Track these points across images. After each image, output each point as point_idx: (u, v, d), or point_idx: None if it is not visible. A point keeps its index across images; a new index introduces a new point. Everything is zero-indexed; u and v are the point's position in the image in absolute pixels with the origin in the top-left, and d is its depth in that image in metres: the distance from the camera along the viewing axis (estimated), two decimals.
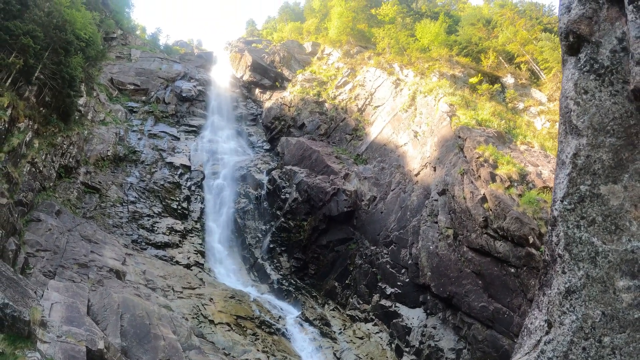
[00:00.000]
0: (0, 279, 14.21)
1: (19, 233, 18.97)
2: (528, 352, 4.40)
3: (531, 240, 18.36)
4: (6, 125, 19.90)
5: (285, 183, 29.18)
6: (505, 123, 24.73)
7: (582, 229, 3.98)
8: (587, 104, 4.02)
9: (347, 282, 26.13)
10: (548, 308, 4.21)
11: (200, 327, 20.95)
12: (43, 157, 22.78)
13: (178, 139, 33.17)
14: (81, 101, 28.65)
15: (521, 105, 26.88)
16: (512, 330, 18.58)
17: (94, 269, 19.79)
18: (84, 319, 15.76)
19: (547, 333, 4.21)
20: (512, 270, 19.10)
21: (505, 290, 19.26)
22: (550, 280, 4.21)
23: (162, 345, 17.24)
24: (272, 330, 22.61)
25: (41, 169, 22.39)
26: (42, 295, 15.73)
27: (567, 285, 4.01)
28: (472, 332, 19.83)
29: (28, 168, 21.38)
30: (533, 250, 18.34)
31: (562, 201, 4.09)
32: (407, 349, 21.74)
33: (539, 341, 4.29)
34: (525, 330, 4.58)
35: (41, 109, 23.82)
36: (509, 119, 25.09)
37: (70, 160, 25.29)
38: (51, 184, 23.42)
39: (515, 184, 20.30)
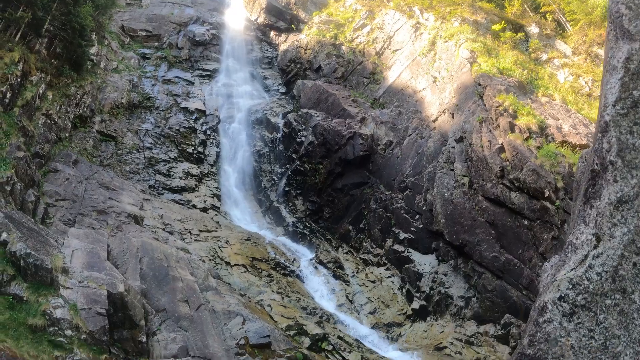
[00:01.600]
0: (21, 230, 14.63)
1: (38, 184, 19.33)
2: (574, 268, 4.39)
3: (547, 194, 18.28)
4: (18, 80, 19.88)
5: (301, 126, 29.06)
6: (527, 73, 24.06)
7: (635, 135, 3.89)
8: (639, 8, 3.87)
9: (361, 226, 26.44)
10: (596, 221, 4.14)
11: (217, 268, 21.51)
12: (57, 108, 22.84)
13: (192, 83, 32.89)
14: (93, 50, 28.35)
15: (544, 57, 26.03)
16: (521, 282, 18.84)
17: (112, 215, 20.24)
18: (104, 264, 16.28)
19: (595, 247, 4.17)
20: (526, 222, 19.15)
21: (518, 242, 19.38)
22: (600, 191, 4.12)
23: (181, 287, 17.83)
24: (287, 272, 23.18)
25: (56, 120, 22.50)
26: (63, 243, 16.20)
27: (618, 195, 3.93)
28: (482, 282, 20.17)
29: (43, 120, 21.49)
30: (548, 204, 18.30)
31: (614, 106, 3.98)
32: (417, 294, 22.23)
33: (586, 256, 4.26)
34: (570, 246, 4.56)
35: (53, 60, 23.67)
36: (531, 70, 24.40)
37: (85, 109, 25.37)
38: (67, 135, 23.59)
39: (534, 136, 20.01)
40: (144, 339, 15.40)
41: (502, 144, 20.60)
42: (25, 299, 13.48)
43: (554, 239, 18.33)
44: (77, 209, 19.78)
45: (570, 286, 4.36)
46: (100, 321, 14.06)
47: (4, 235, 14.40)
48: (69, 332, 13.36)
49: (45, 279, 14.07)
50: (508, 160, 20.12)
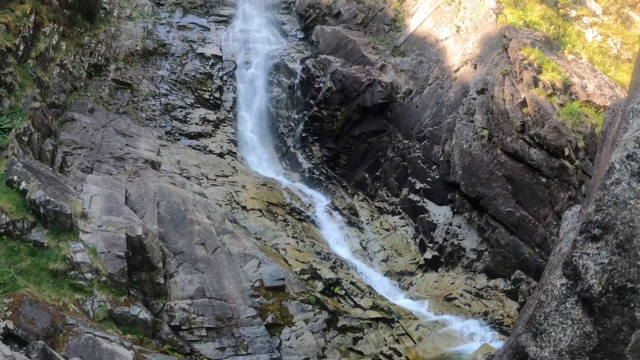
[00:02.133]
0: (40, 178, 14.91)
1: (55, 134, 19.49)
2: (638, 129, 4.43)
3: (567, 153, 18.05)
4: (31, 32, 19.67)
5: (320, 72, 28.64)
6: (555, 29, 23.23)
7: None
8: None
9: (377, 174, 26.46)
10: None
11: (233, 212, 21.84)
12: (72, 58, 22.70)
13: (208, 29, 32.33)
14: None
15: (573, 13, 25.00)
16: (534, 239, 18.90)
17: (129, 161, 20.47)
18: (122, 208, 16.62)
19: None
20: (544, 180, 19.00)
21: (534, 199, 19.31)
22: None
23: (197, 230, 18.21)
24: (302, 217, 23.47)
25: (71, 70, 22.41)
26: (82, 189, 16.50)
27: None
28: (495, 236, 20.25)
29: (58, 70, 21.40)
30: (567, 163, 18.09)
31: None
32: (430, 245, 22.46)
33: None
34: (631, 112, 4.57)
35: (65, 10, 23.28)
36: (559, 26, 23.51)
37: (99, 58, 25.21)
38: (82, 84, 23.54)
39: (558, 93, 19.54)
40: (162, 281, 15.93)
41: (524, 98, 20.19)
42: (45, 245, 13.92)
43: (570, 198, 18.22)
44: (95, 156, 20.03)
45: (638, 145, 4.32)
46: (119, 264, 14.51)
47: (24, 184, 14.71)
48: (89, 276, 13.85)
49: (65, 224, 14.45)
50: (530, 115, 19.77)
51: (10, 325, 11.22)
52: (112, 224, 15.42)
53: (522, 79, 20.68)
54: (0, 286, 12.38)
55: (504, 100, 21.04)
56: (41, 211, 14.23)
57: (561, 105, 19.23)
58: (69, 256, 13.74)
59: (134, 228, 15.67)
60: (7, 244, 13.61)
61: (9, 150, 15.85)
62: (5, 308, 11.96)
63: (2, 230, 13.76)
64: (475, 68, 23.79)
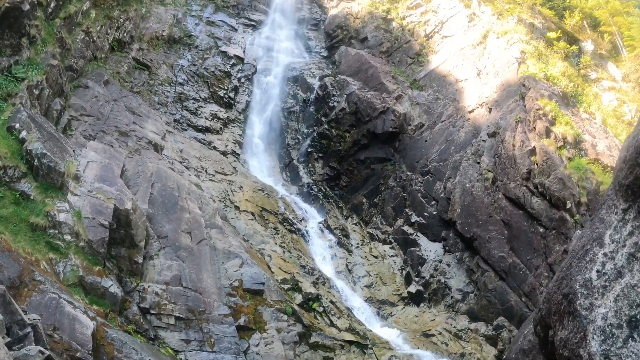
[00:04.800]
0: (41, 132, 14.70)
1: (66, 96, 19.38)
2: None
3: (568, 205, 17.91)
4: None
5: (336, 91, 28.69)
6: (573, 87, 23.56)
7: None
8: None
9: (375, 200, 26.25)
10: None
11: (226, 210, 21.53)
12: (98, 28, 22.78)
13: (236, 30, 32.57)
14: None
15: (594, 75, 25.31)
16: (523, 288, 18.58)
17: (133, 139, 20.29)
18: (116, 180, 16.34)
19: None
20: (541, 230, 18.79)
21: (529, 247, 19.04)
22: None
23: (187, 218, 17.88)
24: (293, 229, 23.15)
25: (95, 39, 22.46)
26: (80, 154, 16.26)
27: None
28: (483, 279, 19.91)
29: (82, 36, 21.42)
30: (567, 216, 17.94)
31: None
32: (416, 279, 22.08)
33: None
34: None
35: None
36: (578, 85, 23.84)
37: (125, 35, 25.32)
38: (103, 55, 23.58)
39: (568, 147, 19.56)
40: (141, 261, 15.57)
41: (534, 146, 20.15)
42: (32, 197, 13.60)
43: (565, 252, 17.95)
44: (100, 126, 19.86)
45: None
46: (101, 232, 14.17)
47: (24, 133, 14.49)
48: (68, 238, 13.51)
49: (56, 182, 14.16)
50: (537, 163, 19.68)
51: None
52: (102, 192, 15.12)
53: (535, 127, 20.68)
54: None
55: (513, 145, 20.98)
56: (35, 163, 13.96)
57: (569, 159, 19.18)
58: (52, 214, 13.41)
59: (124, 201, 15.37)
60: None
61: (17, 98, 15.68)
62: None
63: None
64: (490, 112, 23.86)
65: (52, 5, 19.01)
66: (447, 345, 19.01)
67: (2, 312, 9.13)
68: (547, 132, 20.15)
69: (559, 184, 18.41)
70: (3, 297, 9.43)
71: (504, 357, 9.86)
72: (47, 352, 9.44)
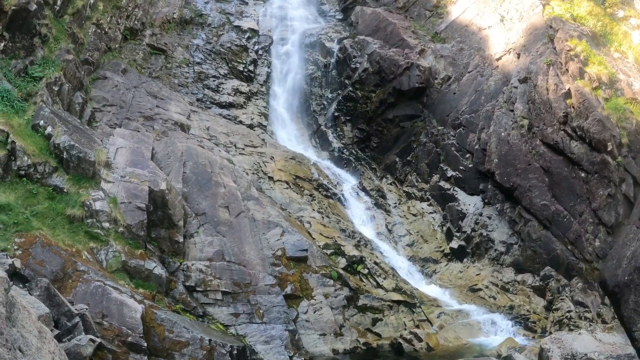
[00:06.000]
0: (67, 125, 14.69)
1: (86, 90, 19.32)
2: None
3: (609, 148, 17.21)
4: None
5: (357, 53, 27.98)
6: (602, 26, 22.45)
7: None
8: None
9: (408, 158, 25.80)
10: None
11: (260, 182, 21.48)
12: (108, 19, 22.56)
13: (246, 3, 32.00)
14: None
15: (621, 14, 23.99)
16: (568, 236, 18.07)
17: (159, 122, 20.22)
18: (147, 163, 16.32)
19: None
20: (583, 174, 18.14)
21: (571, 193, 18.45)
22: None
23: (222, 192, 17.83)
24: (329, 194, 23.01)
25: (106, 30, 22.28)
26: (108, 141, 16.23)
27: None
28: (527, 229, 19.43)
29: (93, 29, 21.25)
30: (609, 159, 17.26)
31: None
32: (457, 234, 21.75)
33: None
34: None
35: None
36: (606, 24, 22.70)
37: (136, 22, 25.08)
38: (116, 45, 23.41)
39: (604, 87, 18.69)
40: (181, 240, 15.62)
41: (568, 89, 19.33)
42: (65, 190, 13.65)
43: (609, 196, 17.37)
44: (124, 114, 19.83)
45: None
46: (139, 215, 14.19)
47: (49, 128, 14.48)
48: (106, 225, 13.57)
49: (88, 171, 14.18)
50: (573, 106, 18.92)
51: (18, 264, 10.90)
52: (135, 175, 15.10)
53: (567, 69, 19.82)
54: (13, 226, 12.15)
55: (547, 90, 20.18)
56: (64, 156, 13.97)
57: (606, 99, 18.38)
58: (87, 203, 13.47)
59: (158, 182, 15.34)
60: (26, 186, 13.41)
61: (37, 97, 15.64)
62: (16, 247, 11.72)
63: (23, 172, 13.58)
64: (519, 57, 22.97)
65: (59, 2, 18.82)
66: (494, 298, 18.77)
67: (48, 305, 9.22)
68: (581, 73, 19.31)
69: (598, 125, 17.68)
70: (47, 290, 9.50)
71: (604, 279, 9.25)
72: (98, 340, 9.55)
